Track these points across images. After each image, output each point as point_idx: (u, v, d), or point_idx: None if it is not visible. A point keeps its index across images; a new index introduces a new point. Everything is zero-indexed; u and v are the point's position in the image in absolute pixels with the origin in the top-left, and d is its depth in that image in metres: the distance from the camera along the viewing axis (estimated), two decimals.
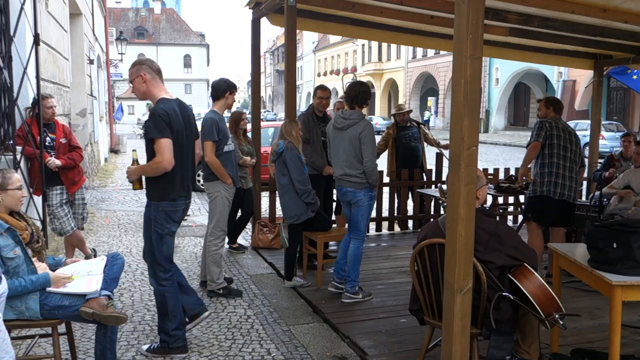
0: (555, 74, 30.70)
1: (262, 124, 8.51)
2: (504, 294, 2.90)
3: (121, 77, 37.72)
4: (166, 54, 66.79)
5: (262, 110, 8.57)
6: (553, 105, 5.54)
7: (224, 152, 5.08)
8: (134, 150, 4.26)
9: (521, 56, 8.19)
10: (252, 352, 3.98)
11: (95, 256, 5.82)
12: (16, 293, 2.99)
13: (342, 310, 4.72)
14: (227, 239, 6.01)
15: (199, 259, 6.40)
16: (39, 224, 4.37)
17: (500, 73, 35.55)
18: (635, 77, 8.19)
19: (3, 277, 2.73)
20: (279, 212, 6.95)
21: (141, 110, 56.30)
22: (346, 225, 5.26)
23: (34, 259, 3.25)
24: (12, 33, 4.72)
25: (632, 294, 3.00)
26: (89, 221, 7.37)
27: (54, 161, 5.18)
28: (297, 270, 5.56)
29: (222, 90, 5.11)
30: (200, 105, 61.71)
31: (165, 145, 3.58)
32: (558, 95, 30.32)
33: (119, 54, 23.66)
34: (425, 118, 39.41)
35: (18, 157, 4.70)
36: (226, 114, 5.67)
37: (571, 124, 23.50)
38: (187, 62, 68.71)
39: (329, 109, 6.77)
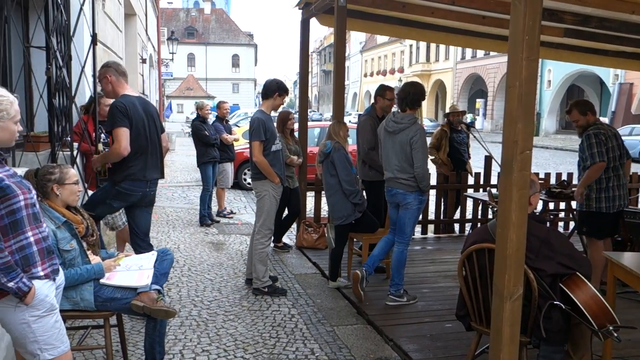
0: (611, 76, 29.66)
1: (309, 124, 8.55)
2: (555, 302, 2.82)
3: (171, 76, 38.61)
4: (215, 54, 68.05)
5: (308, 110, 8.61)
6: (590, 109, 5.12)
7: (272, 151, 5.10)
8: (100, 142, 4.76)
9: (576, 58, 7.95)
10: (296, 351, 4.00)
11: None
12: (72, 282, 3.10)
13: (386, 313, 4.69)
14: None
15: (245, 256, 6.49)
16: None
17: (553, 75, 34.59)
18: None
19: (61, 268, 2.84)
20: (324, 212, 6.98)
21: (190, 108, 57.44)
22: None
23: (88, 252, 3.36)
24: (71, 33, 4.88)
25: None
26: None
27: None
28: (342, 271, 5.55)
29: (271, 90, 5.16)
30: (248, 104, 62.50)
31: (122, 134, 4.00)
32: (614, 99, 29.33)
33: (170, 53, 24.24)
34: (469, 121, 38.77)
35: (75, 153, 4.86)
36: (273, 114, 5.70)
37: (627, 128, 22.93)
38: (235, 62, 69.74)
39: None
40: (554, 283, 2.91)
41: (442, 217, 7.76)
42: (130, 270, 3.38)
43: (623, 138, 17.25)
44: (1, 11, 4.24)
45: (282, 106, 5.54)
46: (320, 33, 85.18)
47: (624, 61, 7.95)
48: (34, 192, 2.61)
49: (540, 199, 6.32)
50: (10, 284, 2.40)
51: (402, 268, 4.83)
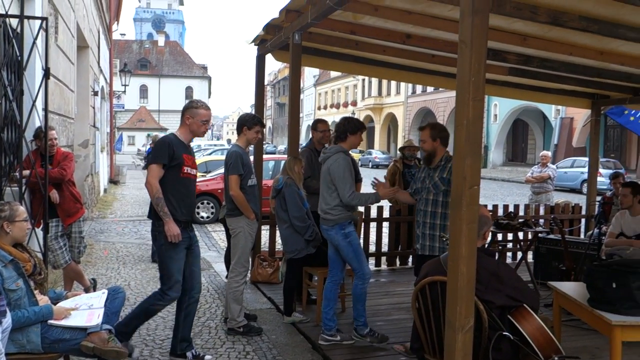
0: (553, 111, 31.06)
1: (263, 156, 8.57)
2: (504, 333, 2.91)
3: (123, 107, 38.02)
4: (168, 86, 67.66)
5: (263, 143, 8.64)
6: (442, 138, 4.54)
7: (248, 186, 5.02)
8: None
9: (520, 95, 8.32)
10: None
11: (95, 287, 5.81)
12: (19, 324, 2.99)
13: (341, 347, 4.69)
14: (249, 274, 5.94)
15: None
16: (40, 256, 4.38)
17: (499, 109, 35.96)
18: (632, 118, 8.30)
19: (8, 311, 2.74)
20: (278, 246, 6.96)
21: (141, 140, 56.64)
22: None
23: (35, 292, 3.26)
24: (24, 67, 4.80)
25: (632, 334, 3.02)
26: (87, 253, 7.36)
27: (54, 193, 5.22)
28: (297, 305, 5.54)
29: (239, 125, 5.15)
30: (199, 137, 61.74)
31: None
32: (556, 133, 30.64)
33: (122, 85, 23.96)
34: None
35: (23, 189, 4.74)
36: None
37: (569, 160, 23.87)
38: (189, 94, 69.42)
39: None
40: (503, 315, 3.00)
41: (396, 249, 7.87)
42: (80, 310, 3.30)
43: (565, 170, 18.21)
44: None
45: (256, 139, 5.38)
46: (275, 66, 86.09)
47: (564, 98, 8.37)
48: None
49: (489, 230, 6.52)
50: None
51: (358, 303, 4.78)
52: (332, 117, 54.00)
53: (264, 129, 5.47)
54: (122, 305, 3.58)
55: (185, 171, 4.20)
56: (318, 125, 6.25)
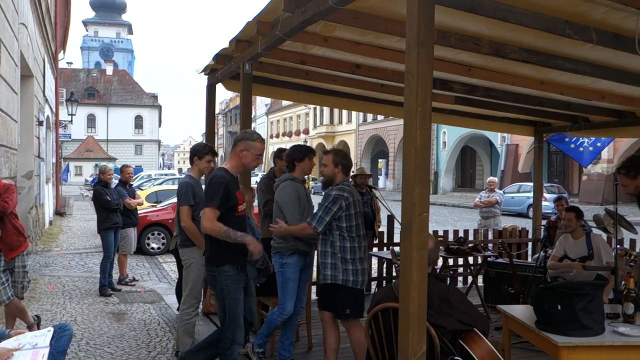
0: (499, 138, 32.11)
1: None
2: (455, 358, 2.95)
3: (70, 137, 37.06)
4: (117, 115, 66.52)
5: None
6: (343, 165, 4.47)
7: (200, 217, 4.98)
8: None
9: (466, 123, 8.57)
10: None
11: (39, 324, 5.57)
12: None
13: None
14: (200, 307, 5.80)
15: (147, 326, 6.22)
16: None
17: (448, 137, 36.94)
18: (572, 145, 8.67)
19: None
20: None
21: (89, 170, 55.25)
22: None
23: None
24: None
25: (578, 355, 3.10)
26: (31, 288, 7.08)
27: None
28: (251, 336, 5.44)
29: (190, 155, 5.13)
30: (151, 166, 61.12)
31: None
32: (502, 159, 31.64)
33: (68, 114, 23.39)
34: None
35: None
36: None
37: (515, 186, 24.64)
38: (139, 123, 68.46)
39: None
40: (454, 339, 3.04)
41: None
42: (24, 350, 3.15)
43: (512, 195, 18.76)
44: None
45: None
46: (227, 94, 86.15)
47: (508, 126, 8.68)
48: None
49: (440, 255, 6.63)
50: None
51: (265, 327, 4.72)
52: (285, 145, 54.17)
53: (216, 158, 5.43)
54: (68, 343, 3.43)
55: (240, 210, 4.03)
56: (282, 154, 6.19)
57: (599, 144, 8.59)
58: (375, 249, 7.91)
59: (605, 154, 26.03)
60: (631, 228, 5.82)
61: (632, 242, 7.43)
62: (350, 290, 4.20)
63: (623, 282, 3.57)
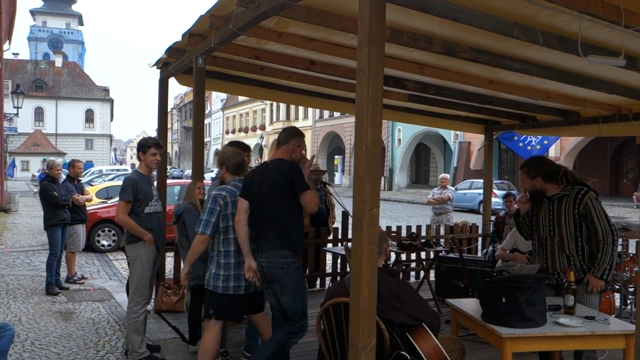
0: (452, 135, 32.76)
1: (169, 181, 8.37)
2: (401, 352, 3.00)
3: (16, 131, 35.76)
4: (67, 108, 64.46)
5: (168, 167, 8.47)
6: (226, 164, 4.39)
7: (146, 213, 4.90)
8: None
9: (420, 120, 8.70)
10: None
11: None
12: None
13: None
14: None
15: (96, 325, 6.09)
16: None
17: (403, 134, 37.43)
18: (521, 144, 8.92)
19: None
20: None
21: (36, 165, 53.47)
22: None
23: None
24: None
25: (521, 345, 3.21)
26: None
27: None
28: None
29: (137, 151, 5.07)
30: (102, 161, 59.79)
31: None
32: (455, 156, 32.31)
33: (14, 107, 22.58)
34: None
35: None
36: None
37: (467, 182, 25.16)
38: (89, 117, 66.54)
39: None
40: (403, 333, 3.09)
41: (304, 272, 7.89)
42: None
43: (464, 192, 19.11)
44: None
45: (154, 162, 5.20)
46: (181, 89, 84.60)
47: (460, 123, 8.86)
48: None
49: (393, 251, 6.73)
50: None
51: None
52: (243, 140, 53.73)
53: (164, 151, 5.37)
54: (10, 343, 3.33)
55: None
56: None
57: (545, 142, 8.87)
58: (329, 245, 7.95)
59: (552, 152, 26.92)
60: None
61: None
62: (216, 295, 4.17)
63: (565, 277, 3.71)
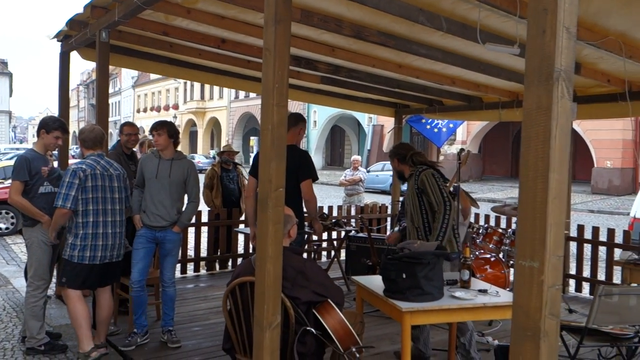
0: (366, 118, 33.38)
1: (71, 161, 7.94)
2: (307, 328, 3.07)
3: None
4: None
5: (73, 147, 8.04)
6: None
7: (40, 193, 4.64)
8: None
9: (332, 102, 8.81)
10: None
11: None
12: None
13: (155, 357, 4.55)
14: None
15: None
16: None
17: (318, 116, 37.69)
18: (428, 126, 9.26)
19: None
20: None
21: None
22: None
23: None
24: None
25: (419, 318, 3.38)
26: None
27: None
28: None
29: (38, 127, 4.81)
30: (1, 140, 56.03)
31: None
32: (369, 138, 32.97)
33: None
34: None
35: None
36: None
37: (380, 164, 25.81)
38: None
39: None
40: (309, 310, 3.16)
41: (215, 254, 7.84)
42: None
43: (376, 173, 19.71)
44: None
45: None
46: (89, 64, 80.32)
47: (372, 106, 9.07)
48: None
49: (304, 232, 6.80)
50: None
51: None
52: (153, 120, 51.98)
53: (67, 136, 5.12)
54: None
55: None
56: (124, 128, 6.06)
57: (451, 126, 9.26)
58: (241, 226, 7.92)
59: (460, 135, 28.15)
60: (474, 203, 6.38)
61: (476, 216, 8.16)
62: (72, 264, 4.27)
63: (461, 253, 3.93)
